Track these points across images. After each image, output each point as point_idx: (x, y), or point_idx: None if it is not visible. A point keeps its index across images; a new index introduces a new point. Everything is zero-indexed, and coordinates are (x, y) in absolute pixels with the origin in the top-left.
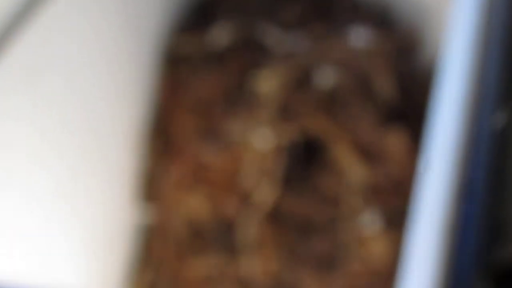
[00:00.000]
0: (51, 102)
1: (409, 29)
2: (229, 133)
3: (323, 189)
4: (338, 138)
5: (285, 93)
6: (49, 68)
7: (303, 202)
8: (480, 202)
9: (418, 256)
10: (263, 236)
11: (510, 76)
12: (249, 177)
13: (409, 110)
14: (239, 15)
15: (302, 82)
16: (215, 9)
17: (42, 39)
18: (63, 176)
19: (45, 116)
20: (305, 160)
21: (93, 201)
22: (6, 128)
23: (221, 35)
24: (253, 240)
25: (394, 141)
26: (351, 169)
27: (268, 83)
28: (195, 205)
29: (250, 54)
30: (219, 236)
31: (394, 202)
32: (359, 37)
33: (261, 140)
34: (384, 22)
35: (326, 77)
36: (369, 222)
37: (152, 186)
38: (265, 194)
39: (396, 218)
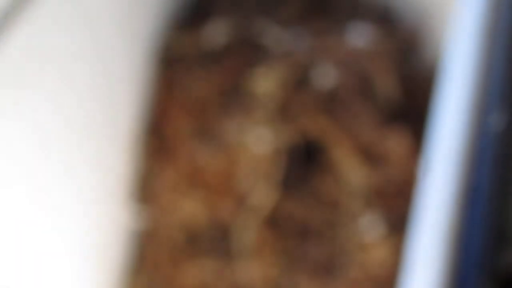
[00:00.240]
0: (42, 102)
1: (411, 28)
2: (226, 134)
3: (323, 192)
4: (338, 139)
5: (283, 93)
6: (41, 67)
7: (301, 205)
8: (484, 207)
9: (421, 261)
10: (261, 241)
11: None
12: (245, 180)
13: (410, 111)
14: (236, 12)
15: (301, 81)
16: (211, 7)
17: (35, 37)
18: (55, 178)
19: (37, 117)
20: (304, 162)
21: (86, 204)
22: None
23: (217, 33)
24: (250, 244)
25: (395, 142)
26: (352, 172)
27: (265, 82)
28: (190, 209)
29: (247, 52)
30: (215, 241)
31: (397, 206)
32: (360, 36)
33: (258, 141)
34: (386, 21)
35: (326, 77)
36: (370, 227)
37: (147, 189)
38: (263, 197)
39: (399, 223)
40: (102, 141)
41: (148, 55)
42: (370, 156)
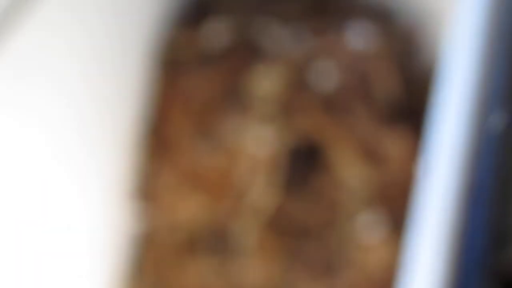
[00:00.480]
0: (41, 103)
1: (411, 28)
2: (226, 134)
3: (323, 192)
4: (338, 140)
5: (283, 93)
6: (39, 69)
7: (302, 206)
8: (485, 206)
9: (421, 262)
10: (261, 241)
11: None
12: (245, 180)
13: (410, 111)
14: (235, 13)
15: (301, 82)
16: (211, 7)
17: (33, 39)
18: (54, 179)
19: (36, 118)
20: (304, 162)
21: (86, 204)
22: None
23: (217, 33)
24: (250, 245)
25: (395, 143)
26: (352, 172)
27: (266, 82)
28: (191, 209)
29: (247, 53)
30: (215, 241)
31: (397, 206)
32: (360, 36)
33: (258, 141)
34: (386, 21)
35: (326, 77)
36: (370, 227)
37: (147, 189)
38: (263, 198)
39: (399, 223)
40: (102, 142)
41: (148, 55)
42: (370, 156)
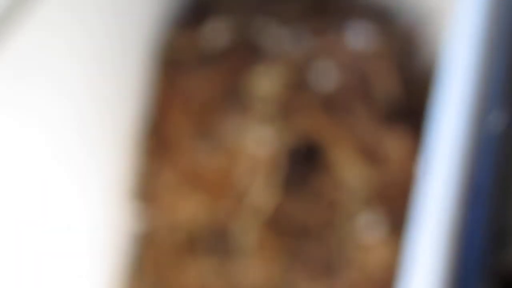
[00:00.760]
0: (41, 103)
1: (411, 28)
2: (225, 134)
3: (323, 193)
4: (338, 140)
5: (283, 94)
6: (39, 69)
7: (301, 206)
8: (485, 206)
9: (421, 261)
10: (261, 241)
11: None
12: (245, 180)
13: (410, 110)
14: (235, 13)
15: (300, 82)
16: (210, 7)
17: (33, 39)
18: (54, 179)
19: (36, 118)
20: (304, 162)
21: (86, 204)
22: None
23: (217, 33)
24: (250, 245)
25: (395, 143)
26: (351, 172)
27: (265, 82)
28: (190, 209)
29: (247, 53)
30: (215, 241)
31: (397, 206)
32: (360, 36)
33: (258, 141)
34: (385, 21)
35: (326, 77)
36: (370, 227)
37: (147, 190)
38: (263, 198)
39: (399, 223)
40: (102, 142)
41: (147, 55)
42: (370, 156)
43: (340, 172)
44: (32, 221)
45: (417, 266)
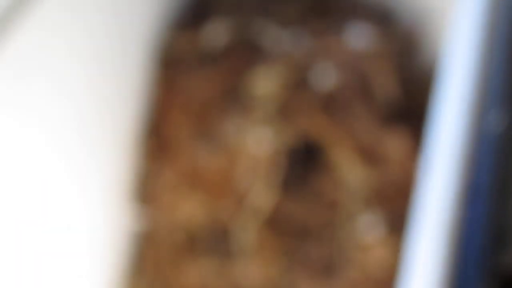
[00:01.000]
0: (41, 103)
1: (410, 29)
2: (225, 135)
3: (322, 193)
4: (338, 140)
5: (283, 94)
6: (39, 69)
7: (301, 206)
8: (485, 206)
9: (421, 261)
10: (260, 241)
11: None
12: (245, 180)
13: (410, 111)
14: (235, 13)
15: (300, 82)
16: (210, 7)
17: (33, 39)
18: (54, 179)
19: (36, 118)
20: (303, 163)
21: (86, 204)
22: None
23: (217, 34)
24: (249, 245)
25: (395, 143)
26: (351, 172)
27: (265, 83)
28: (190, 209)
29: (246, 53)
30: (215, 241)
31: (396, 206)
32: (359, 36)
33: (258, 142)
34: (385, 21)
35: (325, 77)
36: (370, 227)
37: (146, 190)
38: (262, 198)
39: (399, 223)
40: (102, 142)
41: (147, 55)
42: (370, 156)
43: (339, 172)
44: (32, 221)
45: (417, 266)
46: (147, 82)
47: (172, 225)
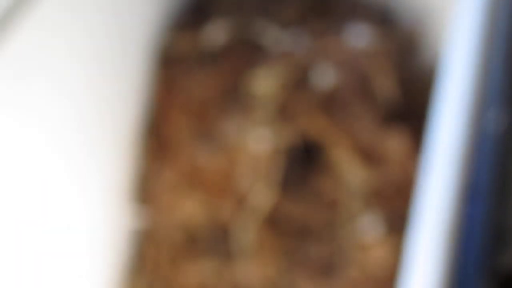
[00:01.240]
0: (41, 103)
1: (410, 29)
2: (225, 134)
3: (322, 192)
4: (338, 139)
5: (282, 94)
6: (39, 69)
7: (301, 206)
8: (484, 206)
9: (420, 261)
10: (260, 241)
11: None
12: (245, 180)
13: (410, 111)
14: (235, 13)
15: (300, 82)
16: (210, 7)
17: (33, 39)
18: (54, 179)
19: (36, 118)
20: (303, 162)
21: (86, 204)
22: None
23: (216, 33)
24: (249, 245)
25: (395, 143)
26: (351, 172)
27: (265, 83)
28: (190, 209)
29: (246, 53)
30: (215, 241)
31: (396, 206)
32: (359, 36)
33: (257, 142)
34: (385, 21)
35: (325, 77)
36: (370, 227)
37: (146, 189)
38: (262, 197)
39: (399, 223)
40: (101, 142)
41: (147, 55)
42: (370, 156)
43: (339, 172)
44: (32, 221)
45: (417, 266)
46: (147, 82)
47: (172, 225)
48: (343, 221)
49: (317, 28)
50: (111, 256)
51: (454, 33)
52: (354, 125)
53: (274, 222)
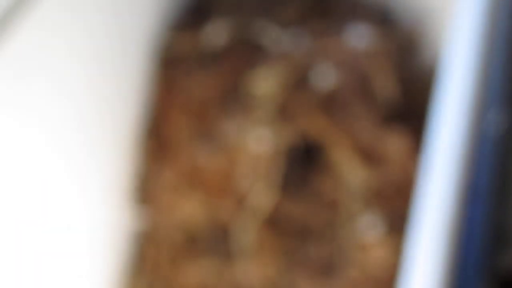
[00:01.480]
0: (41, 103)
1: (410, 29)
2: (225, 135)
3: (322, 193)
4: (338, 140)
5: (282, 94)
6: (39, 69)
7: (301, 206)
8: (484, 207)
9: (420, 262)
10: (260, 241)
11: None
12: (245, 180)
13: (410, 111)
14: (235, 13)
15: (300, 82)
16: (211, 7)
17: (33, 39)
18: (54, 179)
19: (36, 118)
20: (303, 162)
21: (86, 204)
22: None
23: (217, 34)
24: (249, 245)
25: (395, 143)
26: (351, 172)
27: (265, 83)
28: (190, 209)
29: (246, 53)
30: (215, 241)
31: (396, 206)
32: (359, 36)
33: (258, 142)
34: (385, 21)
35: (325, 77)
36: (370, 227)
37: (146, 190)
38: (262, 198)
39: (399, 223)
40: (101, 142)
41: (147, 55)
42: (370, 157)
43: (339, 172)
44: (32, 221)
45: (417, 266)
46: (147, 82)
47: (172, 225)
48: (343, 221)
49: (317, 28)
50: (111, 256)
51: (454, 33)
52: (354, 125)
53: (274, 222)
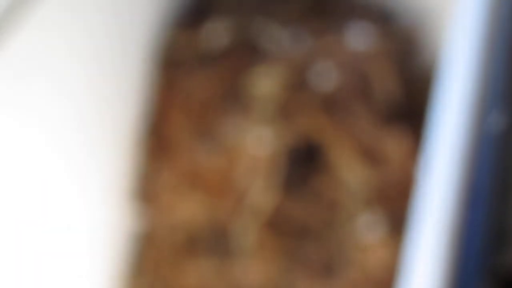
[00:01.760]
0: (41, 103)
1: (411, 29)
2: (225, 134)
3: (322, 193)
4: (338, 140)
5: (283, 94)
6: (39, 69)
7: (301, 206)
8: (485, 207)
9: (421, 262)
10: (260, 241)
11: None
12: (245, 180)
13: (410, 111)
14: (235, 13)
15: (300, 82)
16: (211, 7)
17: (33, 39)
18: (54, 179)
19: (36, 118)
20: (303, 162)
21: (86, 204)
22: None
23: (217, 34)
24: (249, 245)
25: (395, 143)
26: (351, 172)
27: (265, 83)
28: (190, 209)
29: (247, 53)
30: (215, 241)
31: (396, 207)
32: (360, 36)
33: (258, 142)
34: (385, 21)
35: (325, 77)
36: (370, 227)
37: (146, 190)
38: (262, 198)
39: (399, 223)
40: (101, 142)
41: (147, 55)
42: (370, 157)
43: (340, 172)
44: (32, 221)
45: (417, 266)
46: (147, 82)
47: (172, 225)
48: (343, 221)
49: (317, 28)
50: (111, 256)
51: (454, 33)
52: (354, 125)
53: (274, 222)
